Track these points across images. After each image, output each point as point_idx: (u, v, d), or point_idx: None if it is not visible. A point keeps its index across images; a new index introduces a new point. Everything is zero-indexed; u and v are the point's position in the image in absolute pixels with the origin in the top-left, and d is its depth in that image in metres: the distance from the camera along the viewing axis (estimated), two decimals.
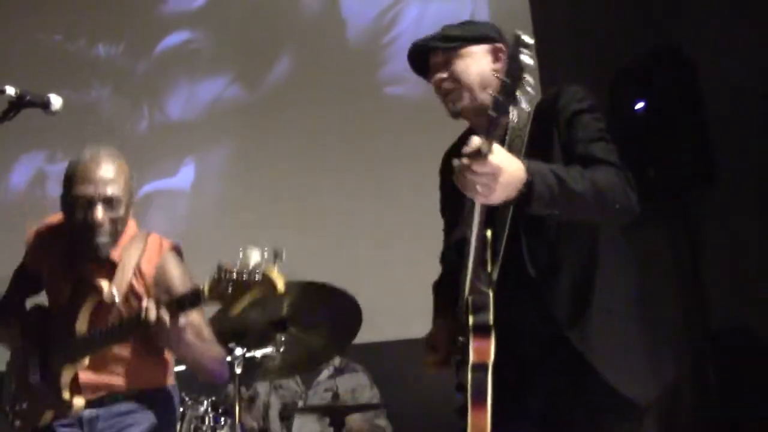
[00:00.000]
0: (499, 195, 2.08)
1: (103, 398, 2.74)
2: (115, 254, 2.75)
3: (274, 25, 5.37)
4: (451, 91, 2.47)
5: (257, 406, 4.50)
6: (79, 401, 2.67)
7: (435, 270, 4.66)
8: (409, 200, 4.93)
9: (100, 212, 2.64)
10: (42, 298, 2.97)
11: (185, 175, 5.45)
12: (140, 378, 2.78)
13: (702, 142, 4.04)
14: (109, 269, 2.73)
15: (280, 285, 2.26)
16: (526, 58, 1.96)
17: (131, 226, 2.81)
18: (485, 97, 2.37)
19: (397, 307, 4.73)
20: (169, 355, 2.88)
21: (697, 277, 4.17)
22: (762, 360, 3.98)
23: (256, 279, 2.27)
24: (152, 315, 2.43)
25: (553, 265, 2.30)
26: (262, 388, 4.53)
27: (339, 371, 4.56)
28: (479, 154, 2.02)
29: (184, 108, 5.49)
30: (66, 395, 2.66)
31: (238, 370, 3.70)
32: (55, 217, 2.92)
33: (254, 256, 2.29)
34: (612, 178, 2.22)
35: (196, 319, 2.60)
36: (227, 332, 3.78)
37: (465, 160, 2.04)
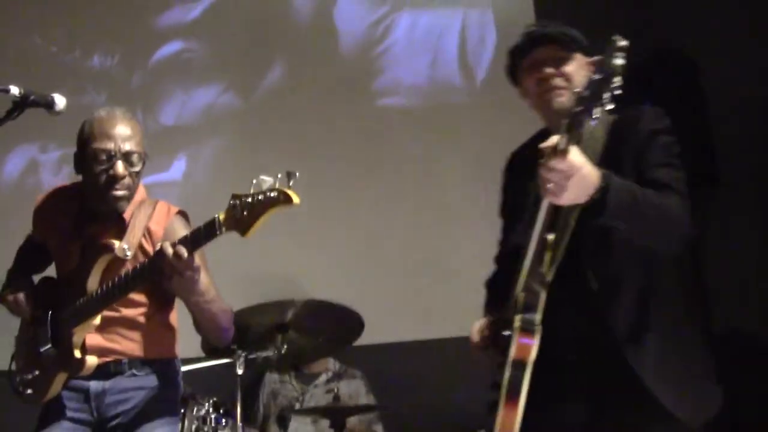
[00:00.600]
0: (569, 196, 2.09)
1: (109, 365, 2.74)
2: (125, 214, 2.78)
3: (267, 34, 5.32)
4: (558, 89, 2.39)
5: (257, 420, 4.50)
6: (92, 359, 2.66)
7: (433, 274, 4.73)
8: (407, 205, 4.94)
9: (120, 166, 2.69)
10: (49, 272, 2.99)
11: (177, 174, 5.43)
12: (147, 345, 2.79)
13: (703, 142, 4.05)
14: (119, 229, 2.76)
15: (296, 198, 2.26)
16: (619, 60, 1.95)
17: (141, 191, 2.84)
18: None
19: (396, 311, 4.74)
20: (175, 322, 2.89)
21: (698, 277, 4.17)
22: (762, 360, 3.99)
23: (272, 195, 2.29)
24: (169, 250, 2.43)
25: (615, 278, 2.28)
26: (261, 399, 4.53)
27: (337, 376, 4.56)
28: (556, 151, 2.03)
29: (178, 115, 5.46)
30: (78, 353, 2.66)
31: (240, 371, 3.72)
32: (61, 185, 2.98)
33: (267, 181, 2.31)
34: (677, 206, 2.22)
35: (204, 279, 2.60)
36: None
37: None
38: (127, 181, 2.72)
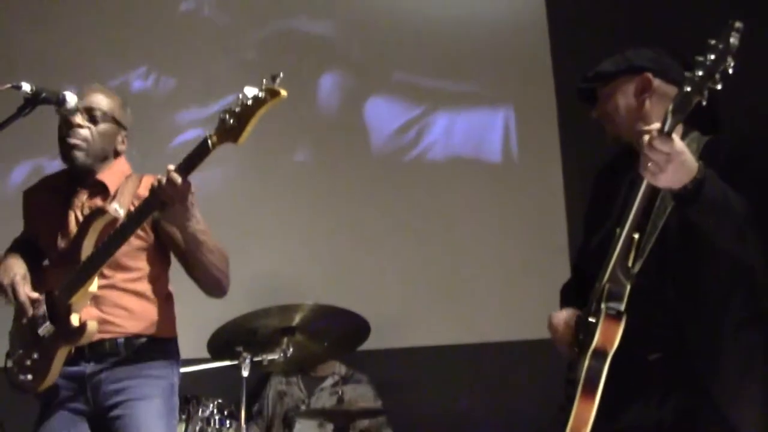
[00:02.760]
0: (666, 178, 2.11)
1: (104, 343, 2.72)
2: (108, 182, 2.82)
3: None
4: (606, 130, 2.52)
5: (261, 419, 4.50)
6: (92, 323, 2.63)
7: (440, 281, 4.73)
8: (416, 213, 4.95)
9: (78, 117, 2.76)
10: None
11: None
12: (143, 319, 2.78)
13: None
14: (104, 197, 2.80)
15: (283, 91, 2.31)
16: (735, 40, 2.00)
17: (123, 164, 2.90)
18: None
19: (402, 317, 4.74)
20: (172, 298, 2.89)
21: None
22: None
23: (259, 96, 2.33)
24: (162, 181, 2.47)
25: (694, 284, 2.30)
26: (267, 400, 4.53)
27: (344, 380, 4.55)
28: (661, 132, 2.07)
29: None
30: (76, 321, 2.64)
31: (245, 373, 3.71)
32: (49, 173, 3.06)
33: (253, 89, 2.36)
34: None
35: (198, 213, 2.62)
36: (236, 337, 3.81)
37: (645, 137, 2.10)
38: (84, 132, 2.78)
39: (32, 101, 2.60)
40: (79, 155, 2.79)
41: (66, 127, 2.79)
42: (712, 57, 2.00)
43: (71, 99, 2.67)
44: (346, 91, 5.22)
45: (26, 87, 2.58)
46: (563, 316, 2.52)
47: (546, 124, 4.89)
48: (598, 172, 2.73)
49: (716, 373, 2.25)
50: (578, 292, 2.57)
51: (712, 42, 2.02)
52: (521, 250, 4.78)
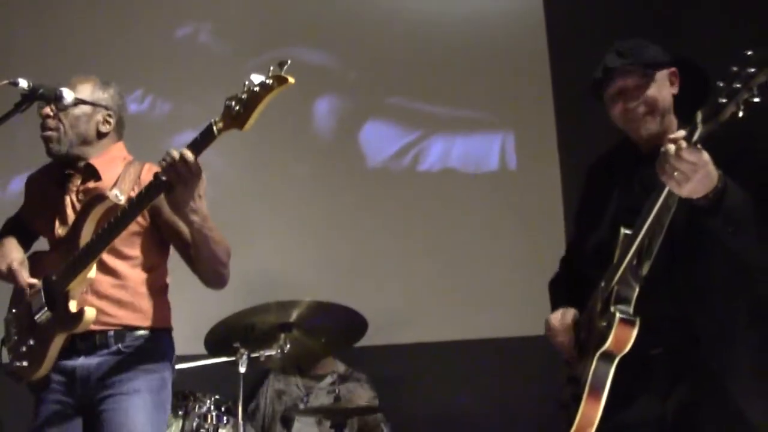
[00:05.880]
0: (690, 188, 2.10)
1: (94, 336, 2.69)
2: (97, 164, 2.80)
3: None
4: (644, 116, 2.41)
5: (258, 418, 4.49)
6: (90, 310, 2.61)
7: (437, 278, 4.74)
8: (414, 211, 4.97)
9: (46, 109, 2.77)
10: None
11: None
12: (138, 310, 2.75)
13: None
14: (96, 180, 2.79)
15: (291, 78, 2.28)
16: None
17: (120, 149, 2.88)
18: (668, 121, 2.41)
19: (399, 313, 4.74)
20: (168, 291, 2.87)
21: None
22: None
23: (267, 83, 2.31)
24: (175, 153, 2.43)
25: (703, 285, 2.32)
26: (264, 398, 4.53)
27: (342, 378, 4.55)
28: (689, 141, 2.04)
29: None
30: (74, 307, 2.61)
31: (242, 369, 3.71)
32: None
33: (259, 77, 2.33)
34: None
35: (205, 209, 2.58)
36: (234, 333, 3.82)
37: (671, 146, 2.06)
38: (50, 122, 2.78)
39: (29, 98, 2.60)
40: (52, 146, 2.79)
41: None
42: (752, 70, 1.93)
43: (68, 95, 2.67)
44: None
45: (23, 83, 2.58)
46: (558, 315, 2.54)
47: (544, 129, 4.90)
48: (591, 165, 2.71)
49: (729, 366, 2.27)
50: (568, 286, 2.61)
51: (749, 53, 1.95)
52: (518, 246, 4.78)
